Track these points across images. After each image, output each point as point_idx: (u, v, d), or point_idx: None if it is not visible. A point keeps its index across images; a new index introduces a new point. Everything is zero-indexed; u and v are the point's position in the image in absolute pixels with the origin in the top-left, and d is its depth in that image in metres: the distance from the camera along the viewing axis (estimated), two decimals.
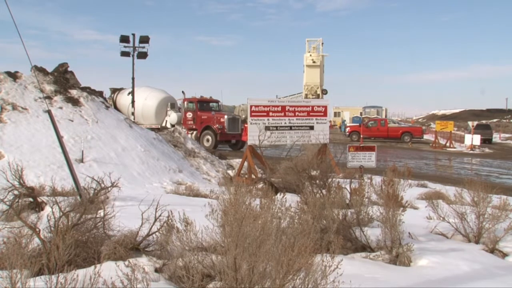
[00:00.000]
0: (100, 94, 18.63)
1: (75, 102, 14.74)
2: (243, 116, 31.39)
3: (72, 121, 13.69)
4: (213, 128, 28.40)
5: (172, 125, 29.16)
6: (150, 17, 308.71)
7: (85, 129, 13.54)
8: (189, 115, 29.77)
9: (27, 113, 13.28)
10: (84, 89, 16.42)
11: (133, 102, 33.06)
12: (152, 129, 30.10)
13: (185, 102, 30.31)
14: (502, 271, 5.24)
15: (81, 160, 11.94)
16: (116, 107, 33.17)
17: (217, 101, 31.98)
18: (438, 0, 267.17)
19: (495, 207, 6.52)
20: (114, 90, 34.86)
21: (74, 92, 15.27)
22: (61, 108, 14.10)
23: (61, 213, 4.75)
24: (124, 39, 30.49)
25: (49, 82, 15.28)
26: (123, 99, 33.22)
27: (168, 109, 31.73)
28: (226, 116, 29.26)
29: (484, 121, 41.01)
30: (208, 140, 28.64)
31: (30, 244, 4.49)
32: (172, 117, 31.26)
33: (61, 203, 5.04)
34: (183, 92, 31.79)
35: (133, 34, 30.66)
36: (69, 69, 17.70)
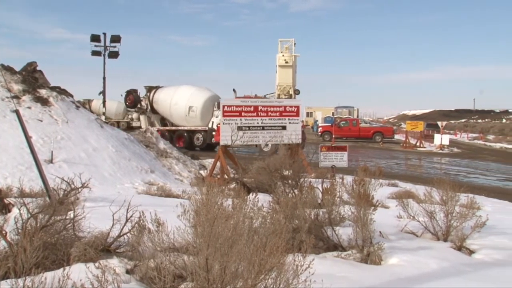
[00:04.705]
0: (70, 94, 18.32)
1: (44, 102, 14.46)
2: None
3: (41, 121, 13.43)
4: None
5: None
6: (121, 16, 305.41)
7: (54, 129, 13.30)
8: None
9: None
10: (53, 88, 16.12)
11: (104, 102, 32.56)
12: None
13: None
14: (469, 268, 5.36)
15: (51, 161, 11.73)
16: (152, 107, 31.73)
17: None
18: (410, 3, 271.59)
19: (463, 206, 6.65)
20: (150, 88, 32.17)
21: (43, 92, 14.99)
22: (29, 108, 13.82)
23: (29, 215, 4.66)
24: (95, 38, 30.14)
25: (17, 82, 14.96)
26: (162, 98, 30.88)
27: (215, 109, 28.15)
28: None
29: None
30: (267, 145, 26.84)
31: None
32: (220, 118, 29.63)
33: (29, 205, 4.94)
34: (234, 90, 30.58)
35: (104, 34, 30.35)
36: (38, 68, 17.39)
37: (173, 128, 30.64)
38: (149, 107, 32.24)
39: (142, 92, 33.62)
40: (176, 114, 29.82)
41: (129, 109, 37.89)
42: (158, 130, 30.75)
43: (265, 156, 12.44)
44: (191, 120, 29.28)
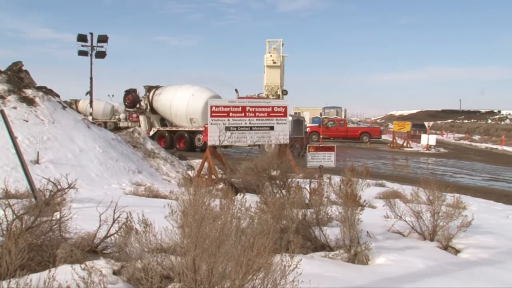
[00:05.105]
0: (56, 94, 18.15)
1: (30, 102, 14.32)
2: None
3: (27, 121, 13.30)
4: None
5: None
6: (109, 16, 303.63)
7: (40, 129, 13.17)
8: None
9: None
10: (39, 88, 15.95)
11: (91, 102, 32.32)
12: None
13: None
14: (455, 267, 5.41)
15: (37, 162, 11.62)
16: (152, 107, 30.97)
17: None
18: (396, 3, 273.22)
19: (449, 206, 6.72)
20: (150, 88, 31.51)
21: (29, 92, 14.83)
22: (15, 108, 13.67)
23: (14, 216, 4.61)
24: (81, 38, 29.90)
25: (2, 81, 14.79)
26: (162, 98, 30.22)
27: None
28: (290, 118, 26.62)
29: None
30: (270, 145, 25.46)
31: None
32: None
33: (14, 206, 4.88)
34: (236, 90, 30.05)
35: (91, 33, 30.11)
36: (23, 68, 17.18)
37: (174, 128, 30.01)
38: (148, 107, 31.46)
39: (141, 92, 32.86)
40: (176, 115, 29.23)
41: (128, 109, 37.08)
42: (158, 131, 30.42)
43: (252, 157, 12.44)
44: (192, 120, 28.82)
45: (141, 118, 32.72)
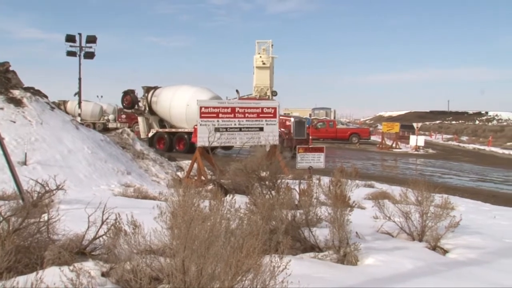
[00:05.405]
0: (44, 95, 18.02)
1: (17, 102, 14.20)
2: None
3: (14, 122, 13.18)
4: (279, 133, 24.16)
5: None
6: (97, 17, 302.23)
7: (28, 130, 13.06)
8: None
9: None
10: (27, 89, 15.82)
11: (79, 103, 32.15)
12: None
13: None
14: (443, 267, 5.45)
15: (24, 163, 11.52)
16: (150, 108, 30.21)
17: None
18: (384, 5, 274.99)
19: (438, 206, 6.76)
20: (149, 89, 30.76)
21: (16, 93, 14.71)
22: (2, 109, 13.55)
23: (1, 218, 4.56)
24: (70, 38, 29.82)
25: None
26: (161, 99, 29.42)
27: None
28: (292, 119, 26.24)
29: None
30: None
31: None
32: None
33: (1, 208, 4.84)
34: (237, 91, 29.44)
35: (80, 34, 30.01)
36: (10, 68, 17.02)
37: (173, 130, 29.29)
38: (147, 108, 30.75)
39: (139, 93, 32.05)
40: (176, 116, 28.53)
41: (126, 110, 36.51)
42: (157, 132, 29.85)
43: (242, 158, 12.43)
44: (191, 122, 27.53)
45: (140, 119, 32.18)
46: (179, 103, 28.02)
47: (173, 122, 29.37)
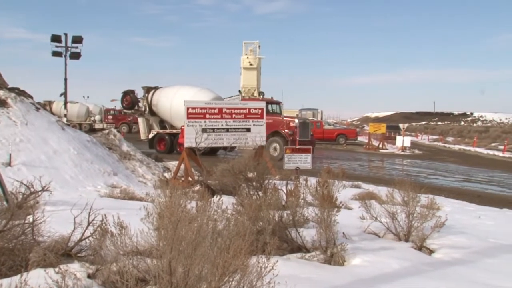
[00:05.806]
0: (30, 95, 17.84)
1: (2, 103, 14.04)
2: None
3: None
4: (283, 134, 24.93)
5: None
6: (83, 17, 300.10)
7: (13, 131, 12.93)
8: None
9: None
10: (12, 89, 15.65)
11: (65, 103, 31.87)
12: None
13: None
14: (429, 267, 5.49)
15: (9, 164, 11.40)
16: (151, 109, 29.62)
17: (278, 103, 28.99)
18: (370, 7, 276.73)
19: (423, 206, 6.80)
20: (149, 89, 30.06)
21: (0, 93, 14.54)
22: None
23: None
24: (55, 38, 29.57)
25: None
26: (162, 99, 28.67)
27: None
28: (297, 120, 25.98)
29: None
30: (275, 149, 24.67)
31: None
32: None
33: None
34: (239, 91, 28.96)
35: (65, 34, 29.77)
36: None
37: (174, 131, 28.53)
38: (147, 109, 30.15)
39: (139, 93, 31.54)
40: (177, 117, 27.39)
41: (125, 111, 35.99)
42: (157, 133, 29.32)
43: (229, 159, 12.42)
44: None
45: (140, 120, 31.61)
46: (181, 104, 27.50)
47: (174, 123, 28.82)
